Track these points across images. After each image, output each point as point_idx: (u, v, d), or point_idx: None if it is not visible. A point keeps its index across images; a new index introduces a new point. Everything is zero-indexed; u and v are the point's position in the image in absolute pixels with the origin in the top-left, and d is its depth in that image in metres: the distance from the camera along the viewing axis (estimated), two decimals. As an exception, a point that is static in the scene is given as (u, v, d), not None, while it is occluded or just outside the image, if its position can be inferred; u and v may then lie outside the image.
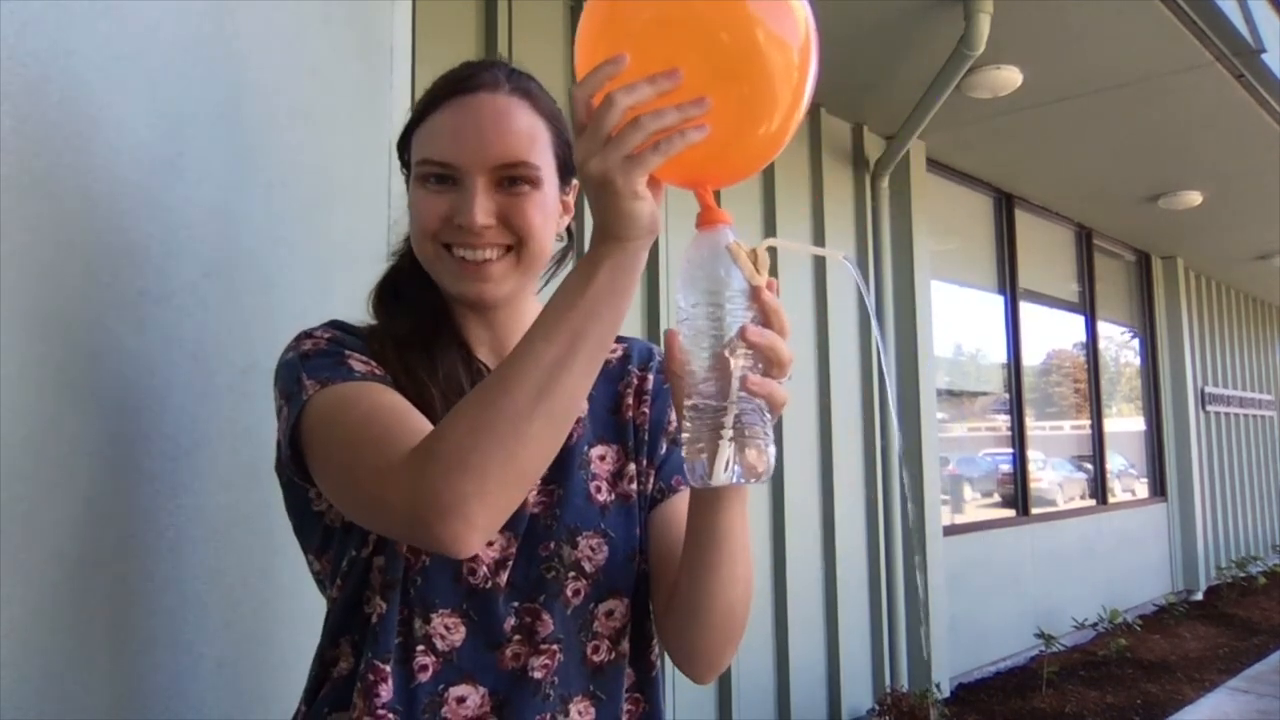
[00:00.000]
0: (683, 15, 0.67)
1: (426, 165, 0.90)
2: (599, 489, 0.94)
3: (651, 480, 0.97)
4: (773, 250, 0.77)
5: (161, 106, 1.12)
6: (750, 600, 0.91)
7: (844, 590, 4.26)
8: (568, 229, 1.01)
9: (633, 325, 3.45)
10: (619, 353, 1.02)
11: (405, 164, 0.97)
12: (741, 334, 0.71)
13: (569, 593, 0.90)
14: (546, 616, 0.89)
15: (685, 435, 0.73)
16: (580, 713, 0.90)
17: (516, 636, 0.88)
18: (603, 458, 0.96)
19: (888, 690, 4.26)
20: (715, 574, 0.86)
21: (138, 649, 1.06)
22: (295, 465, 0.85)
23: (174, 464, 1.10)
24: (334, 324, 0.93)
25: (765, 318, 0.73)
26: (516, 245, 0.90)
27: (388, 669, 0.85)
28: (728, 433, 0.71)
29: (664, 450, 0.99)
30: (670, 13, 0.68)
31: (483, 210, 0.87)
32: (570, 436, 0.93)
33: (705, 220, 0.74)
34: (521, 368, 0.72)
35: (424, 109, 0.93)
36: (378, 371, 0.87)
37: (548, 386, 0.71)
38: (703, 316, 0.72)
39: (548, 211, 0.92)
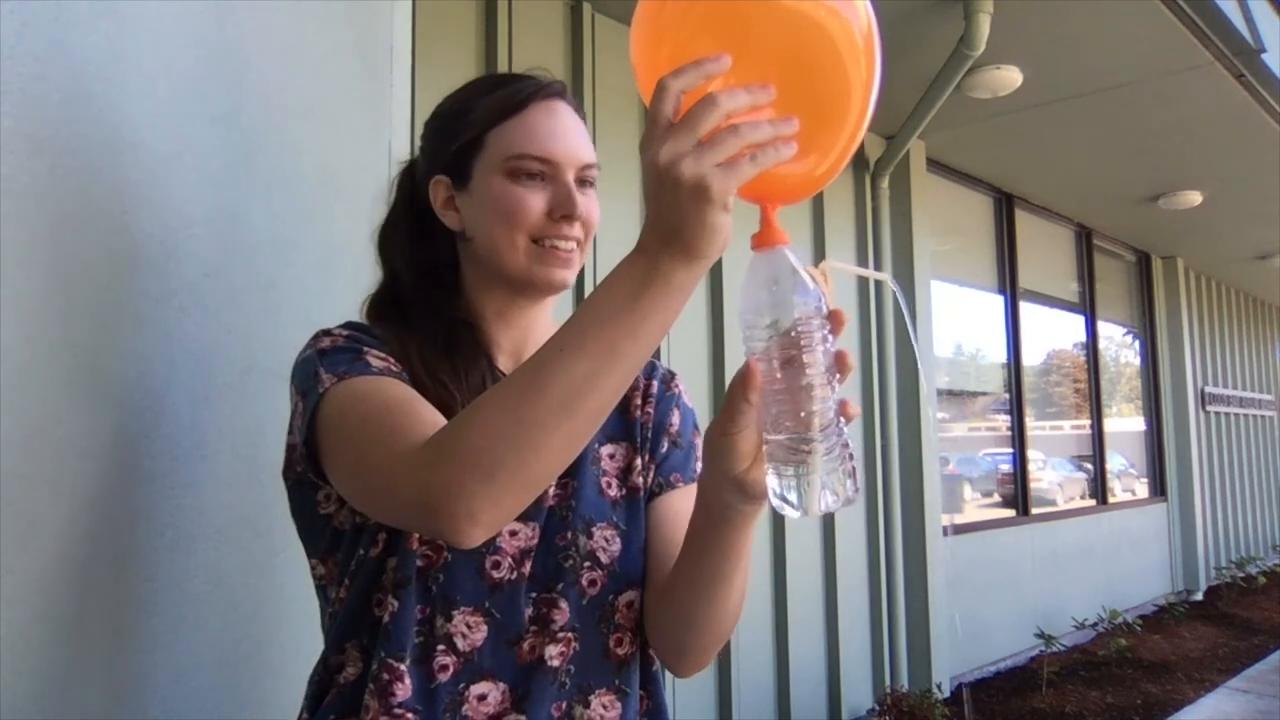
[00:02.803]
0: (776, 29, 0.65)
1: (525, 159, 0.93)
2: (609, 484, 0.97)
3: (651, 475, 1.00)
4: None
5: (161, 106, 1.12)
6: (743, 605, 0.92)
7: (844, 590, 4.27)
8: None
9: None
10: None
11: (457, 169, 0.96)
12: (840, 360, 0.69)
13: (584, 582, 0.92)
14: (563, 604, 0.91)
15: (772, 466, 0.70)
16: (605, 706, 0.92)
17: (533, 627, 0.90)
18: (612, 456, 0.99)
19: (888, 690, 4.26)
20: (725, 585, 0.87)
21: (137, 649, 1.06)
22: (310, 460, 0.86)
23: (174, 464, 1.10)
24: (351, 324, 0.94)
25: (836, 340, 0.71)
26: (582, 240, 0.96)
27: (404, 668, 0.85)
28: (821, 460, 0.68)
29: (664, 449, 1.01)
30: (766, 20, 0.65)
31: (582, 203, 0.93)
32: None
33: (766, 240, 0.70)
34: (549, 377, 0.69)
35: (506, 110, 0.94)
36: (394, 368, 0.88)
37: (574, 401, 0.68)
38: (791, 344, 0.68)
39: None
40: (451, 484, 0.69)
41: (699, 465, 0.98)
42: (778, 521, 4.00)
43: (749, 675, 3.79)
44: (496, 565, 0.89)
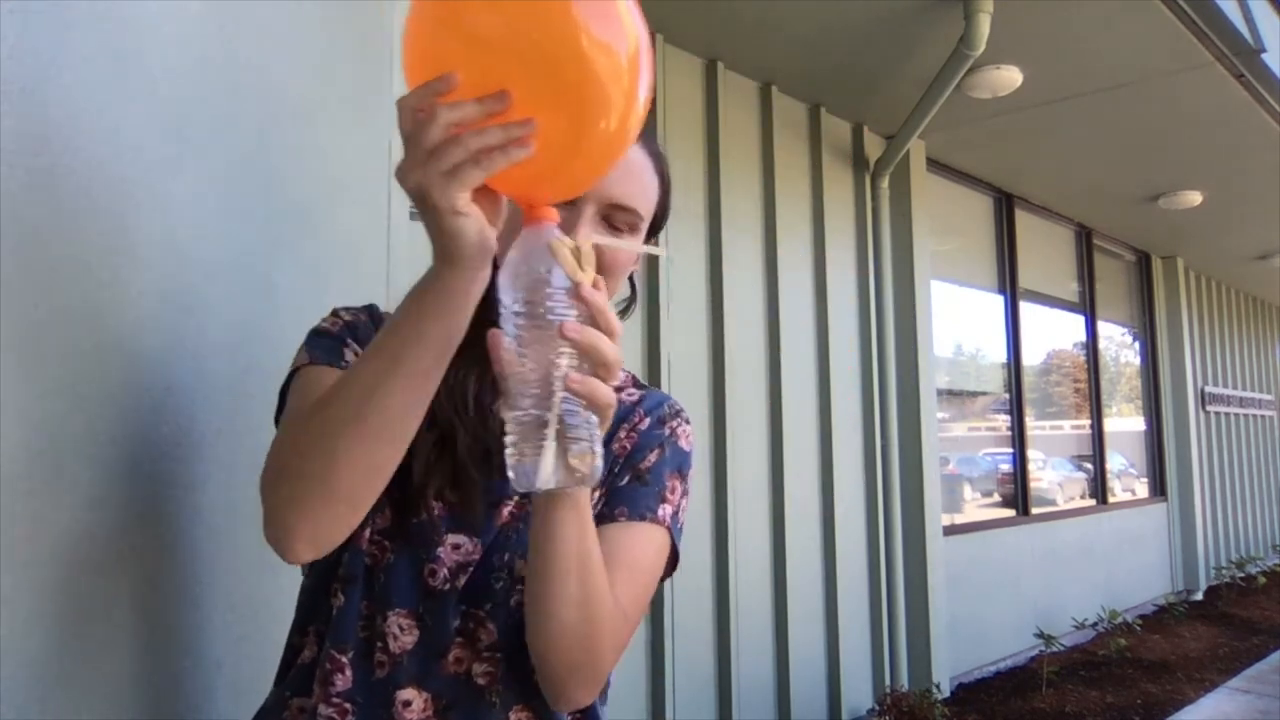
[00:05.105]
0: (513, 39, 0.66)
1: None
2: None
3: (600, 505, 0.96)
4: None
5: (161, 106, 1.12)
6: (591, 633, 0.83)
7: (844, 589, 4.27)
8: (630, 280, 1.05)
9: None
10: (635, 398, 1.04)
11: None
12: (560, 331, 0.69)
13: (513, 604, 0.91)
14: (491, 625, 0.91)
15: (509, 439, 0.71)
16: None
17: (459, 639, 0.90)
18: None
19: (888, 690, 4.26)
20: (543, 586, 0.82)
21: (137, 650, 1.06)
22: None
23: (174, 464, 1.10)
24: (366, 308, 0.96)
25: (591, 317, 0.71)
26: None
27: (345, 659, 0.88)
28: (550, 434, 0.69)
29: (624, 481, 0.97)
30: (500, 34, 0.66)
31: (583, 236, 0.91)
32: None
33: (529, 218, 0.73)
34: (344, 387, 0.74)
35: None
36: None
37: (364, 406, 0.72)
38: (525, 316, 0.70)
39: (629, 258, 0.97)
40: (268, 495, 0.75)
41: (665, 508, 0.96)
42: (778, 521, 4.00)
43: (749, 674, 3.80)
44: (434, 574, 0.90)
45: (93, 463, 1.02)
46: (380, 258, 1.40)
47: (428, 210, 0.67)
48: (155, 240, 1.10)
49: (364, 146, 1.39)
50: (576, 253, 0.71)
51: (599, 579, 0.84)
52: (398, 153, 1.47)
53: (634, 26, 0.70)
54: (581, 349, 0.70)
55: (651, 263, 3.46)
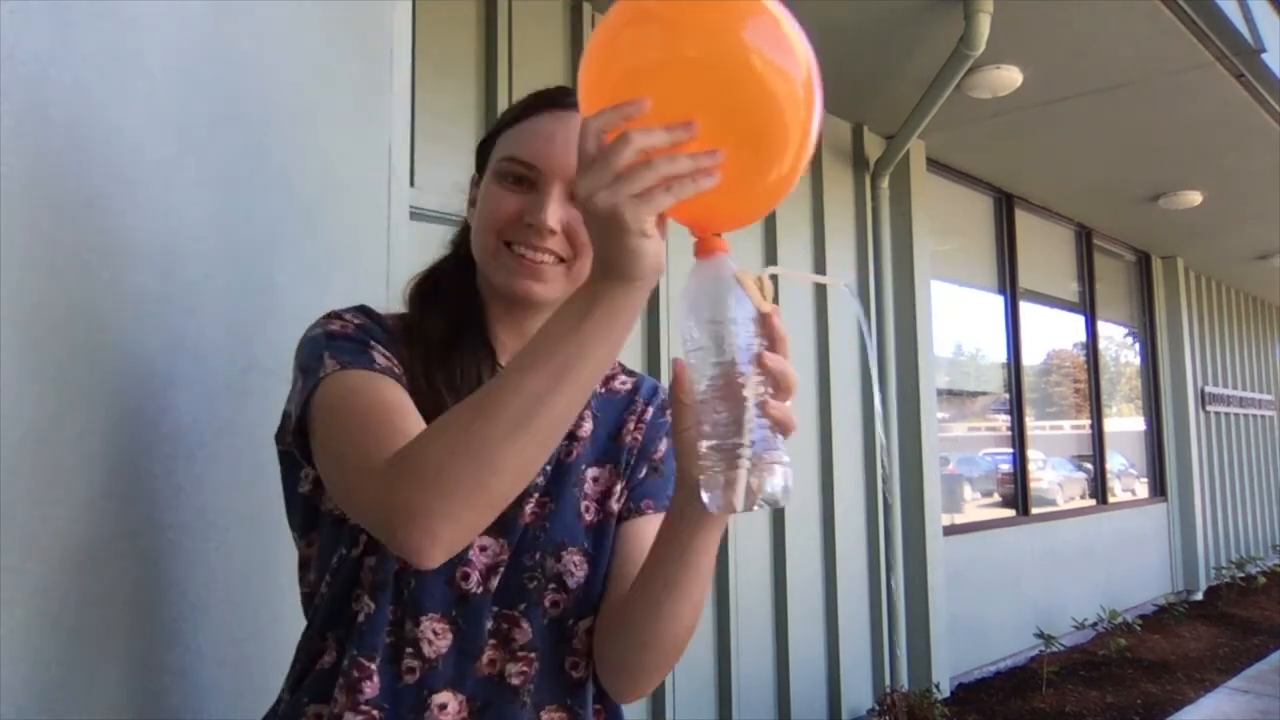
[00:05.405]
0: (699, 70, 0.67)
1: (510, 162, 0.93)
2: (588, 509, 0.97)
3: (625, 499, 0.99)
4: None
5: (161, 106, 1.12)
6: (692, 629, 0.91)
7: (844, 589, 4.27)
8: None
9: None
10: (629, 385, 1.05)
11: (480, 167, 1.00)
12: (759, 360, 0.71)
13: (547, 603, 0.92)
14: (525, 625, 0.91)
15: (703, 463, 0.72)
16: None
17: (492, 641, 0.90)
18: (596, 479, 0.98)
19: (888, 690, 4.26)
20: (673, 593, 0.87)
21: (138, 649, 1.06)
22: (299, 439, 0.87)
23: (174, 464, 1.10)
24: (362, 309, 0.94)
25: (773, 343, 0.73)
26: (571, 259, 0.93)
27: (373, 666, 0.87)
28: (745, 460, 0.70)
29: (642, 474, 1.00)
30: (687, 63, 0.67)
31: (554, 215, 0.90)
32: (570, 453, 0.97)
33: (705, 249, 0.74)
34: (503, 395, 0.72)
35: (518, 114, 0.96)
36: (396, 369, 0.89)
37: (527, 418, 0.71)
38: (714, 345, 0.72)
39: None
40: (410, 503, 0.72)
41: None
42: (778, 521, 4.00)
43: (749, 674, 3.80)
44: (465, 577, 0.90)
45: (93, 462, 1.02)
46: (380, 258, 1.40)
47: (615, 230, 0.67)
48: (155, 240, 1.10)
49: (364, 146, 1.39)
50: (759, 283, 0.72)
51: (709, 582, 0.89)
52: (398, 153, 1.47)
53: (806, 57, 0.71)
54: (774, 376, 0.72)
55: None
